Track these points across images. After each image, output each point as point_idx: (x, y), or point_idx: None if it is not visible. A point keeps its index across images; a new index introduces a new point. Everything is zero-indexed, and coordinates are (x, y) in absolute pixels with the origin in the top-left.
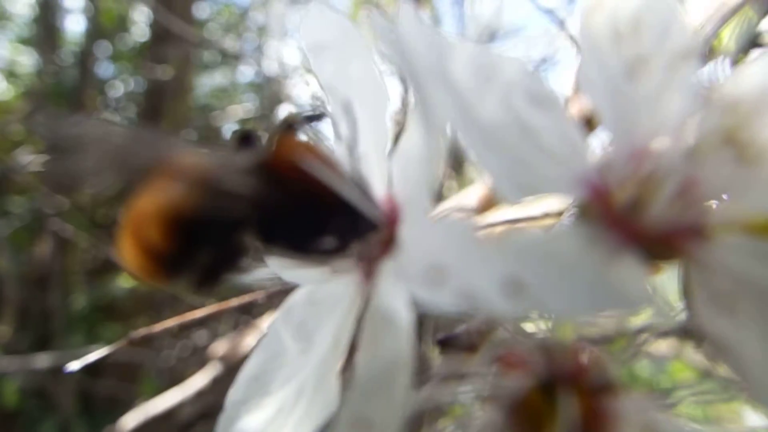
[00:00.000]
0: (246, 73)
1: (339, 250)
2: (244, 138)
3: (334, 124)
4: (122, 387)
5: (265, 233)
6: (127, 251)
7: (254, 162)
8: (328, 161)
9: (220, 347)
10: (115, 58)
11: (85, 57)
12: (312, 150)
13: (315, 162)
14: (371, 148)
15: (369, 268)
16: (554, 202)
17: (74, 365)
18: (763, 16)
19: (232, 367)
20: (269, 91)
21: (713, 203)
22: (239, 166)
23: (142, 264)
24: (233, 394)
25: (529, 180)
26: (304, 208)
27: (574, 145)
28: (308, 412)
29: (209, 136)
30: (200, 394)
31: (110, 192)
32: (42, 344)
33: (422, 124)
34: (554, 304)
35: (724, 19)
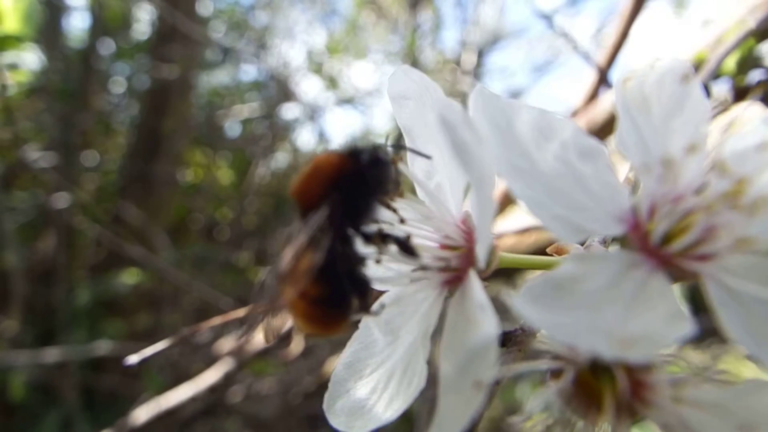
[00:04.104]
0: (250, 71)
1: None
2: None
3: (409, 157)
4: (124, 382)
5: (355, 226)
6: (307, 328)
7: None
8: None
9: (226, 344)
10: (119, 55)
11: (89, 54)
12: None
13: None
14: (445, 180)
15: (451, 276)
16: None
17: (133, 359)
18: (761, 41)
19: (242, 363)
20: (273, 89)
21: (723, 236)
22: (304, 231)
23: (323, 323)
24: (334, 376)
25: (581, 220)
26: (350, 200)
27: (615, 189)
28: (398, 391)
29: (212, 133)
30: (212, 390)
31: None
32: (46, 339)
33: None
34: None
35: (730, 49)
